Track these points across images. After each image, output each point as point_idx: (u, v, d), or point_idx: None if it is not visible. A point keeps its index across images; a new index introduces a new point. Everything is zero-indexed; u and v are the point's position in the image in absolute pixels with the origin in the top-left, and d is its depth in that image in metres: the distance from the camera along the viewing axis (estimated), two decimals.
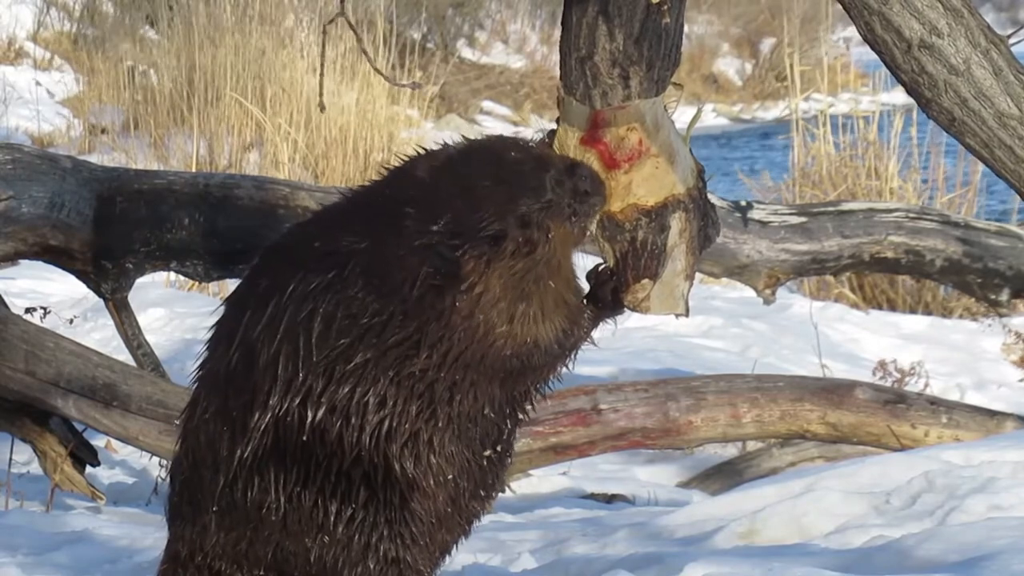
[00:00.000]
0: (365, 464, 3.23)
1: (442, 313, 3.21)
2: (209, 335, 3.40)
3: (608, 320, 3.41)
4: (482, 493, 3.37)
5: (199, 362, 3.41)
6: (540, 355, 3.29)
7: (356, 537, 3.25)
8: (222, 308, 3.41)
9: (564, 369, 3.40)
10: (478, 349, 3.23)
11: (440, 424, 3.25)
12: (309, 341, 3.22)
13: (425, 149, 3.39)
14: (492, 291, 3.23)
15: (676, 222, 3.34)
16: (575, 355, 3.38)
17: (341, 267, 3.23)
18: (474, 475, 3.33)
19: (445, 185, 3.27)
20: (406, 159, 3.37)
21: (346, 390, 3.21)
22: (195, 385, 3.40)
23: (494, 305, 3.23)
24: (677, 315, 3.38)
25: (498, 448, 3.35)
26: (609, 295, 3.35)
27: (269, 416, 3.24)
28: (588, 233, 3.33)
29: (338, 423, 3.22)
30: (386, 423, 3.22)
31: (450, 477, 3.29)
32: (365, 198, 3.36)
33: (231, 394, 3.29)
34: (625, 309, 3.38)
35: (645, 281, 3.34)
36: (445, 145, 3.39)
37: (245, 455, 3.26)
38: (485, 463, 3.33)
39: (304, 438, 3.23)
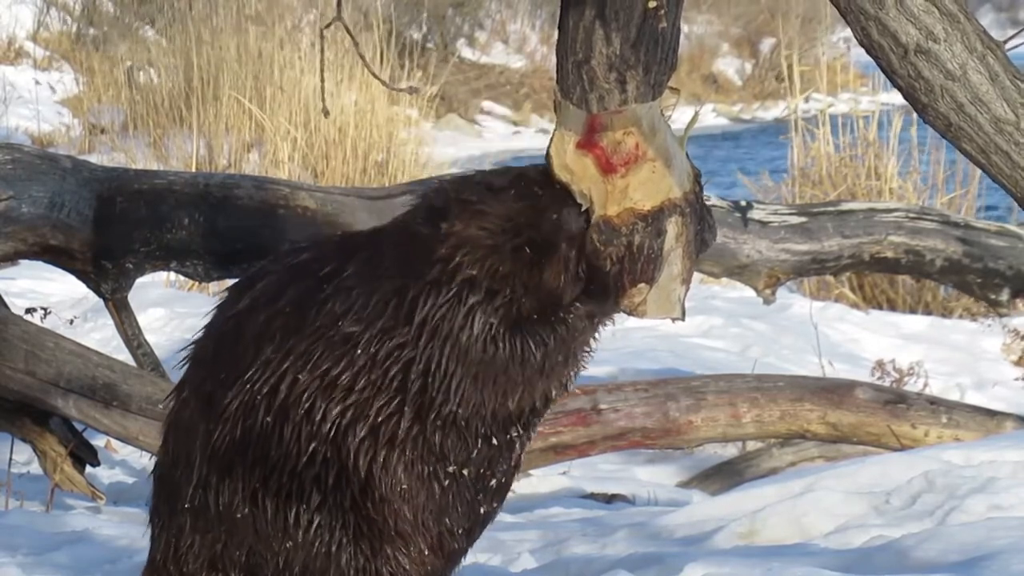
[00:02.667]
0: (317, 464, 3.20)
1: (422, 252, 3.22)
2: (207, 315, 3.40)
3: (610, 311, 3.37)
4: (447, 521, 3.28)
5: (191, 342, 3.39)
6: (521, 343, 3.23)
7: (317, 544, 3.22)
8: (224, 293, 3.41)
9: (575, 371, 3.35)
10: (459, 316, 3.20)
11: (405, 421, 3.20)
12: (302, 312, 3.22)
13: None
14: (469, 233, 3.23)
15: (673, 226, 3.34)
16: (574, 344, 3.31)
17: (349, 253, 3.28)
18: (435, 494, 3.26)
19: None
20: None
21: (320, 370, 3.19)
22: (185, 365, 3.39)
23: (470, 246, 3.22)
24: (674, 319, 3.38)
25: (464, 471, 3.26)
26: (603, 294, 3.34)
27: (242, 394, 3.21)
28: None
29: (303, 408, 3.19)
30: (349, 413, 3.19)
31: (405, 487, 3.23)
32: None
33: (213, 370, 3.28)
34: (620, 311, 3.37)
35: (642, 285, 3.33)
36: None
37: (218, 445, 3.23)
38: (447, 482, 3.26)
39: (268, 419, 3.19)
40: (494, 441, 3.29)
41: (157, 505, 3.38)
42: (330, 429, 3.20)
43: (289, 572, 3.24)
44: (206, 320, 3.39)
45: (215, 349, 3.32)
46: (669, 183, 3.33)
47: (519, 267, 3.25)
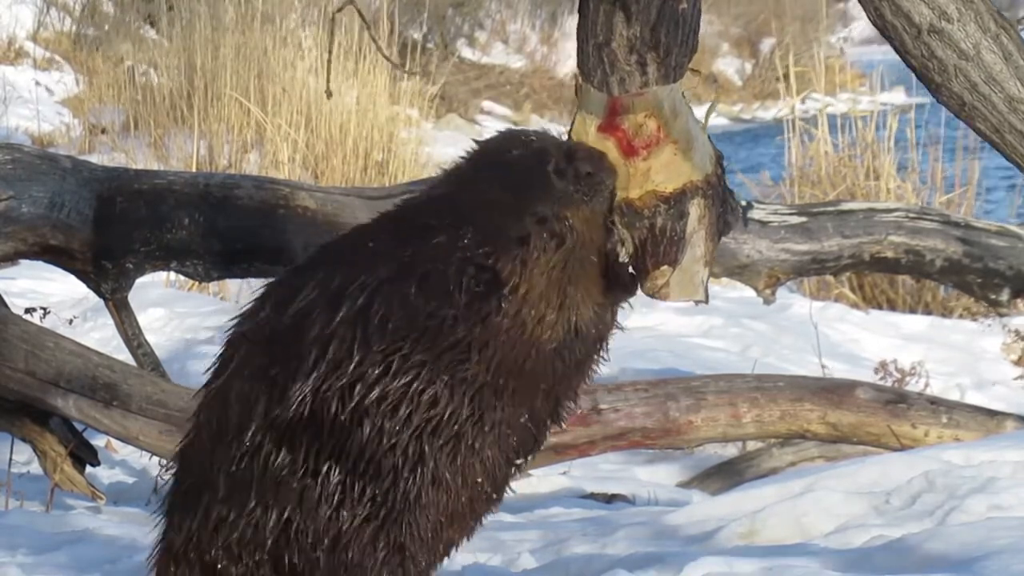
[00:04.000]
0: (397, 455, 3.27)
1: (488, 316, 3.27)
2: (255, 297, 3.42)
3: (623, 303, 3.45)
4: (494, 496, 3.42)
5: (237, 320, 3.41)
6: (580, 344, 3.34)
7: (370, 519, 3.27)
8: (280, 277, 3.44)
9: (595, 369, 3.45)
10: (524, 348, 3.29)
11: (486, 428, 3.30)
12: (366, 331, 3.26)
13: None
14: (538, 287, 3.29)
15: (695, 208, 3.34)
16: (606, 345, 3.42)
17: (399, 269, 3.30)
18: (497, 480, 3.38)
19: (461, 197, 3.38)
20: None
21: (402, 383, 3.26)
22: (228, 344, 3.40)
23: (542, 298, 3.30)
24: (697, 302, 3.39)
25: (529, 457, 3.41)
26: (627, 276, 3.39)
27: (313, 383, 3.26)
28: (610, 208, 3.35)
29: (387, 410, 3.26)
30: (435, 420, 3.27)
31: (479, 480, 3.34)
32: (400, 214, 3.46)
33: (275, 355, 3.31)
34: (639, 290, 3.40)
35: (664, 268, 3.34)
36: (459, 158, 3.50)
37: (279, 419, 3.27)
38: (511, 470, 3.40)
39: (342, 417, 3.25)
40: (551, 426, 3.44)
41: (180, 491, 3.39)
42: (414, 432, 3.27)
43: (329, 544, 3.28)
44: (255, 297, 3.42)
45: (275, 336, 3.33)
46: (691, 165, 3.33)
47: (584, 289, 3.34)
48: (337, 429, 3.27)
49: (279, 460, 3.27)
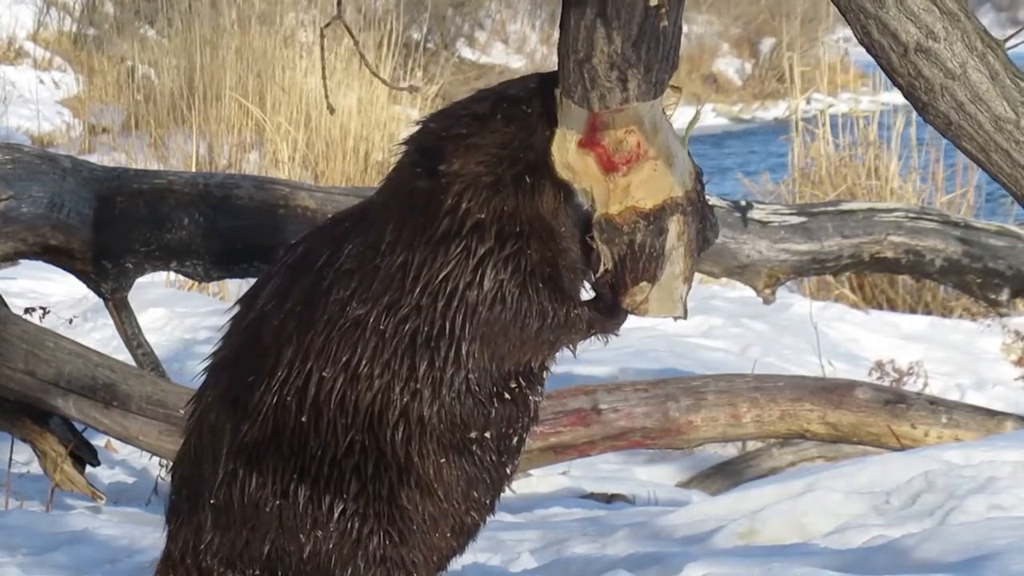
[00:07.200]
0: (356, 453, 3.25)
1: (427, 207, 3.24)
2: (222, 328, 3.43)
3: (610, 328, 3.40)
4: (475, 494, 3.35)
5: (210, 354, 3.43)
6: (534, 319, 3.27)
7: (347, 533, 3.26)
8: (237, 304, 3.44)
9: (554, 354, 3.38)
10: (464, 273, 3.23)
11: (425, 397, 3.25)
12: (311, 308, 3.25)
13: None
14: (469, 171, 3.26)
15: (674, 225, 3.35)
16: (565, 335, 3.34)
17: (341, 233, 3.30)
18: (465, 467, 3.31)
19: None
20: None
21: (341, 362, 3.23)
22: (203, 375, 3.42)
23: (474, 194, 3.25)
24: (676, 318, 3.39)
25: (486, 434, 3.32)
26: (609, 296, 3.35)
27: (270, 396, 3.26)
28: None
29: (335, 403, 3.24)
30: (378, 399, 3.23)
31: (442, 461, 3.28)
32: None
33: (237, 375, 3.32)
34: (626, 315, 3.38)
35: (643, 284, 3.35)
36: None
37: (246, 441, 3.26)
38: (474, 447, 3.31)
39: (303, 419, 3.24)
40: (506, 396, 3.34)
41: (177, 503, 3.42)
42: (364, 419, 3.25)
43: (314, 562, 3.27)
44: (221, 332, 3.43)
45: (235, 357, 3.35)
46: (671, 181, 3.34)
47: (523, 201, 3.28)
48: (298, 439, 3.25)
49: (251, 486, 3.27)
